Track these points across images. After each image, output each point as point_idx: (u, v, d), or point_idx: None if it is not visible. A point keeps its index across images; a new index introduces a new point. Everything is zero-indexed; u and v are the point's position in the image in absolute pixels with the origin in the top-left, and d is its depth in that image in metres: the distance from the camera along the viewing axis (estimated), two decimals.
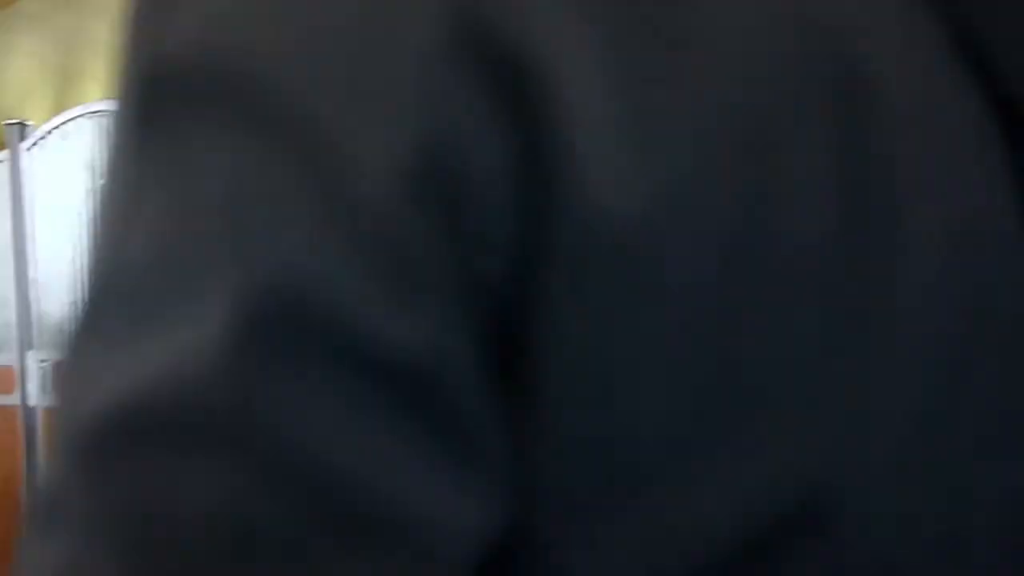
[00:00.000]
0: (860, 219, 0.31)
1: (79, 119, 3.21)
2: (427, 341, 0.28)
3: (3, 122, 3.43)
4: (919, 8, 0.33)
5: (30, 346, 3.45)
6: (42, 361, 3.42)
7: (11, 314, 3.53)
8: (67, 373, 0.31)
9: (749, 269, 0.30)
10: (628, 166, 0.29)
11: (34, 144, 3.33)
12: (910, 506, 0.32)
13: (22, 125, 3.42)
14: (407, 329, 0.28)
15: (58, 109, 5.66)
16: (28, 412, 3.44)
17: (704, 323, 0.30)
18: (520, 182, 0.28)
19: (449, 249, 0.28)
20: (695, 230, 0.29)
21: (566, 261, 0.29)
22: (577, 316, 0.29)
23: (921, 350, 0.32)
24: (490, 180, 0.28)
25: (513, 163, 0.28)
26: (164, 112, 0.30)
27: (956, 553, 0.33)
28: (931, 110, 0.32)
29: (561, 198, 0.28)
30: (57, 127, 3.28)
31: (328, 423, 0.28)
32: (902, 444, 0.32)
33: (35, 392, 3.45)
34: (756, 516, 0.31)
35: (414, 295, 0.28)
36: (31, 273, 3.44)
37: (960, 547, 0.33)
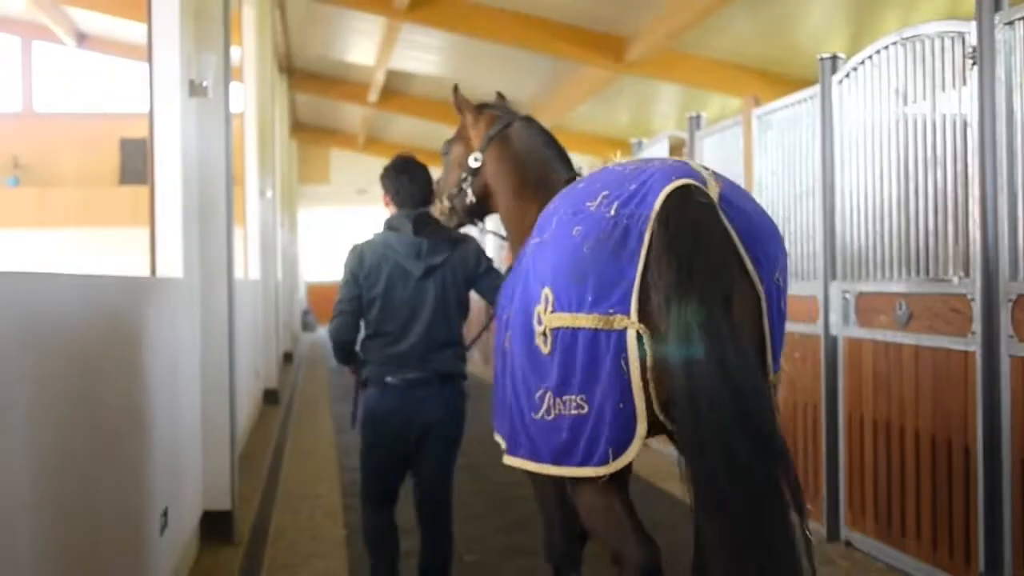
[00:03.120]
0: None
1: (888, 47, 3.14)
2: None
3: (817, 56, 3.49)
4: None
5: (833, 277, 3.45)
6: (845, 292, 3.38)
7: (817, 245, 3.54)
8: None
9: None
10: None
11: (845, 76, 3.37)
12: None
13: (834, 58, 3.45)
14: None
15: (858, 40, 5.94)
16: (829, 341, 3.44)
17: None
18: None
19: None
20: None
21: None
22: None
23: None
24: None
25: None
26: None
27: None
28: None
29: None
30: (867, 58, 3.25)
31: None
32: None
33: (837, 321, 3.41)
34: None
35: None
36: (837, 204, 3.44)
37: None
